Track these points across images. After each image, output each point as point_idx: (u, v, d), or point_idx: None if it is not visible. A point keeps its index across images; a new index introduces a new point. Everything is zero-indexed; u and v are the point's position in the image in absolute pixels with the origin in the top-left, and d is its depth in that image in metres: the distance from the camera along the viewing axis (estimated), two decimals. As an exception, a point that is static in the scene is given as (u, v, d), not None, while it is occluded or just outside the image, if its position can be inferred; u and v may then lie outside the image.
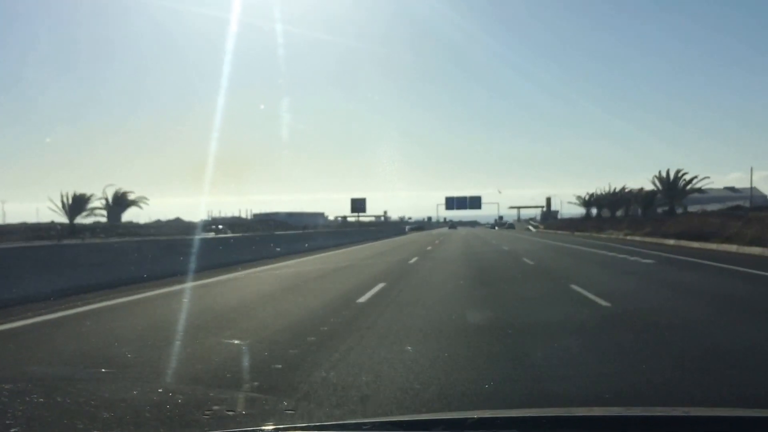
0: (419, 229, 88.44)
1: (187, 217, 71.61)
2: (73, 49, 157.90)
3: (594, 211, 74.08)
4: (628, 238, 32.66)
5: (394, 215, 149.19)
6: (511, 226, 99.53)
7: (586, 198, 71.77)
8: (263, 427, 1.77)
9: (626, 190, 63.53)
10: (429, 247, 24.26)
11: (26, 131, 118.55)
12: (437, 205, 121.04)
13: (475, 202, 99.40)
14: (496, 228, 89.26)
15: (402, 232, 63.69)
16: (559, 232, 54.92)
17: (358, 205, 77.93)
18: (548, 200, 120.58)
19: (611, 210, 63.12)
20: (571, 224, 60.77)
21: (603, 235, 37.43)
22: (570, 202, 75.22)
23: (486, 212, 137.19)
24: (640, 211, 56.08)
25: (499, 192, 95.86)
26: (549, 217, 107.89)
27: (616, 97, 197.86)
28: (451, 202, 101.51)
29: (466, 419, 1.65)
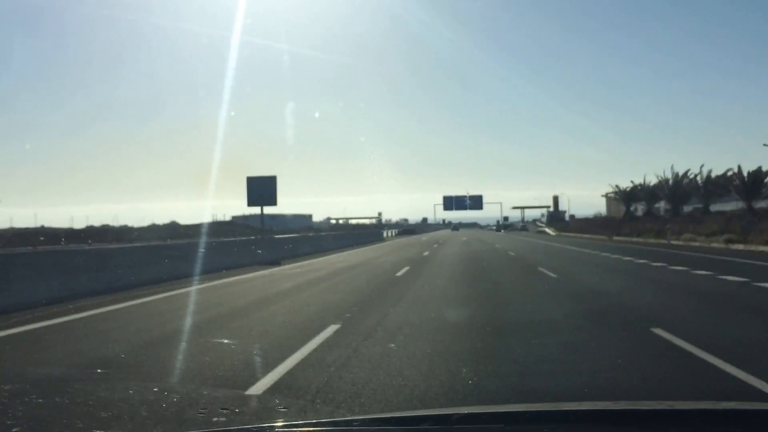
0: (408, 233, 75.32)
1: (185, 221, 76.81)
2: (81, 60, 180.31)
3: (635, 206, 60.15)
4: (740, 247, 21.47)
5: (394, 217, 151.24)
6: (524, 228, 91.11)
7: (629, 189, 56.59)
8: (253, 426, 1.97)
9: (694, 176, 44.68)
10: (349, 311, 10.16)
11: (30, 139, 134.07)
12: (434, 205, 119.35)
13: (475, 202, 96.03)
14: (502, 231, 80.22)
15: (371, 239, 49.97)
16: (587, 236, 43.54)
17: (259, 190, 40.38)
18: (555, 199, 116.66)
19: (674, 204, 47.97)
20: (604, 225, 47.48)
21: (678, 242, 27.06)
22: (607, 195, 61.76)
23: (487, 214, 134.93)
24: (744, 204, 39.54)
25: (467, 193, 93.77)
26: (557, 218, 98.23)
27: (604, 102, 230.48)
28: (450, 202, 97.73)
29: (452, 415, 1.78)
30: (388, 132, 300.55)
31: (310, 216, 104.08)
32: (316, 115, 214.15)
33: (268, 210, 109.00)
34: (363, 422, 1.82)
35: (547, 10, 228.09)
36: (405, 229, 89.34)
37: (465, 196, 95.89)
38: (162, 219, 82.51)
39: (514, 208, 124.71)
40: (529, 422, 1.75)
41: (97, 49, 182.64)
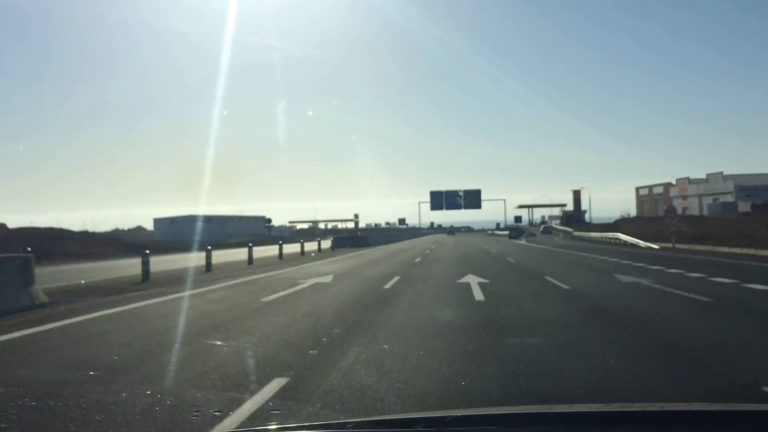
0: (350, 245, 44.71)
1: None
2: (76, 63, 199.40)
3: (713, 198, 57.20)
4: None
5: (381, 221, 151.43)
6: (546, 230, 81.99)
7: None
8: (246, 428, 2.25)
9: None
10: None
11: (26, 145, 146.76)
12: (419, 203, 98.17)
13: (472, 200, 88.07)
14: (523, 240, 57.54)
15: None
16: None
17: None
18: (576, 194, 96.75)
19: None
20: None
21: None
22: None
23: (485, 216, 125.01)
24: None
25: (462, 188, 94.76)
26: (576, 219, 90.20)
27: (600, 104, 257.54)
28: (438, 199, 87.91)
29: (445, 417, 2.06)
30: (381, 134, 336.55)
31: (265, 217, 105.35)
32: (310, 113, 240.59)
33: (208, 211, 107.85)
34: (356, 425, 2.05)
35: (538, 11, 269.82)
36: (343, 237, 51.97)
37: (458, 192, 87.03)
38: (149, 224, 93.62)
39: (521, 207, 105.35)
40: (522, 424, 2.03)
41: (87, 47, 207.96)
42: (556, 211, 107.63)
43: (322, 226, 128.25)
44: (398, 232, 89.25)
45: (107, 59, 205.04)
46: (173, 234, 70.63)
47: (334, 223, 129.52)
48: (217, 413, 4.26)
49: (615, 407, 2.36)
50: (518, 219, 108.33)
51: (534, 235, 72.87)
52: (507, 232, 75.63)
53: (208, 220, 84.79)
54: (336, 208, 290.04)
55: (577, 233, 65.22)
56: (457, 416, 2.13)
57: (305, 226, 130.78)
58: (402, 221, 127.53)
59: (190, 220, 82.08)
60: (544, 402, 4.31)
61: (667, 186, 79.63)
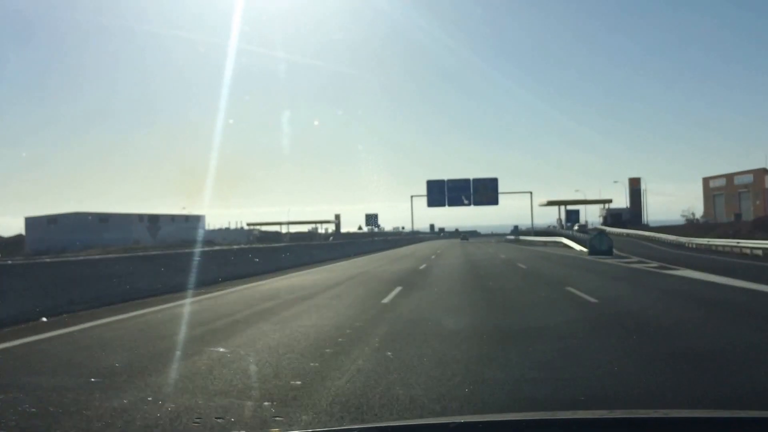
0: None
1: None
2: (80, 67, 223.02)
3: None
4: None
5: (388, 225, 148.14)
6: (583, 229, 70.98)
7: None
8: None
9: None
10: None
11: (26, 147, 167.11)
12: (411, 197, 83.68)
13: (485, 192, 77.13)
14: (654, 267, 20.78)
15: None
16: None
17: None
18: (635, 184, 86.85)
19: None
20: None
21: None
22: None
23: (495, 220, 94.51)
24: None
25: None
26: (632, 219, 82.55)
27: (604, 108, 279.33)
28: (438, 192, 78.02)
29: (448, 424, 2.41)
30: (386, 140, 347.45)
31: (201, 217, 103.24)
32: (315, 123, 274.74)
33: (113, 208, 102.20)
34: (360, 431, 2.41)
35: (545, 17, 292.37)
36: None
37: (466, 181, 77.47)
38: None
39: (550, 203, 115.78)
40: (526, 431, 2.36)
41: (91, 57, 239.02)
42: (595, 209, 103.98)
43: (322, 230, 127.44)
44: (330, 248, 46.92)
45: (112, 68, 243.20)
46: (51, 240, 67.10)
47: (331, 227, 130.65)
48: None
49: (619, 413, 2.80)
50: (574, 214, 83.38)
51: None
52: (564, 242, 56.58)
53: (103, 219, 76.93)
54: (342, 211, 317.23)
55: (697, 241, 44.19)
56: (460, 423, 2.49)
57: (305, 229, 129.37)
58: (372, 219, 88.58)
59: (78, 219, 75.77)
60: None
61: (761, 173, 64.00)
